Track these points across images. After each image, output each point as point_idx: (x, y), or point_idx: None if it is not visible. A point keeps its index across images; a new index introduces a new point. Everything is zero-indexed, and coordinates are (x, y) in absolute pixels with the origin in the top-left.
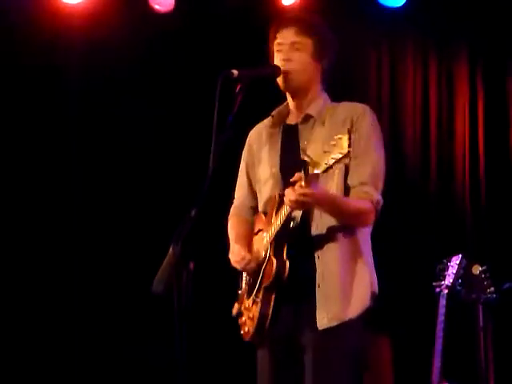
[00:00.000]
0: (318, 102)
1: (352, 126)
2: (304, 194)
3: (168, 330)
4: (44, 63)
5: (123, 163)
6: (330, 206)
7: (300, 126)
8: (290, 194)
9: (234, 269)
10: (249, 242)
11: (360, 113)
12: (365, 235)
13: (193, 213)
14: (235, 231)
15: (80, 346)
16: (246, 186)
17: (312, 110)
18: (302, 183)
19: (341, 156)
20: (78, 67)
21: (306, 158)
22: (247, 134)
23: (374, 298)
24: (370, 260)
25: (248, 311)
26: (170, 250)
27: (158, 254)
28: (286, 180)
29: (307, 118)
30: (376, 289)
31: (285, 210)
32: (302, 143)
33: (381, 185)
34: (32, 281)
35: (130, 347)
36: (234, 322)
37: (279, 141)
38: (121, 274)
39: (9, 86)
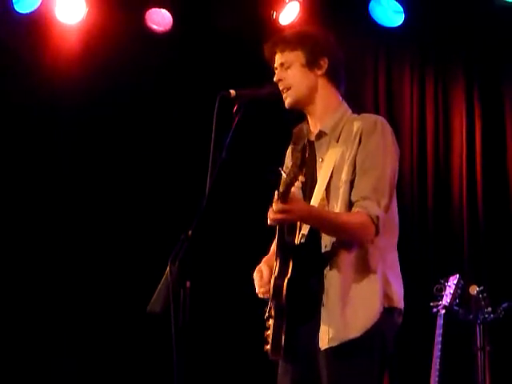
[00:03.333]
0: (333, 116)
1: (360, 140)
2: (281, 211)
3: (166, 350)
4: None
5: (122, 183)
6: (316, 220)
7: (316, 143)
8: (270, 212)
9: (230, 288)
10: None
11: (370, 126)
12: (380, 250)
13: (189, 232)
14: (271, 252)
15: (77, 366)
16: None
17: (325, 126)
18: (277, 199)
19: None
20: (74, 88)
21: (282, 173)
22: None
23: (391, 313)
24: (390, 275)
25: (268, 329)
26: (167, 269)
27: (155, 273)
28: (305, 197)
29: (321, 135)
30: (394, 304)
31: (276, 226)
32: (318, 161)
33: (385, 201)
34: (28, 298)
35: (127, 368)
36: (231, 341)
37: (300, 157)
38: (118, 293)
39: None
